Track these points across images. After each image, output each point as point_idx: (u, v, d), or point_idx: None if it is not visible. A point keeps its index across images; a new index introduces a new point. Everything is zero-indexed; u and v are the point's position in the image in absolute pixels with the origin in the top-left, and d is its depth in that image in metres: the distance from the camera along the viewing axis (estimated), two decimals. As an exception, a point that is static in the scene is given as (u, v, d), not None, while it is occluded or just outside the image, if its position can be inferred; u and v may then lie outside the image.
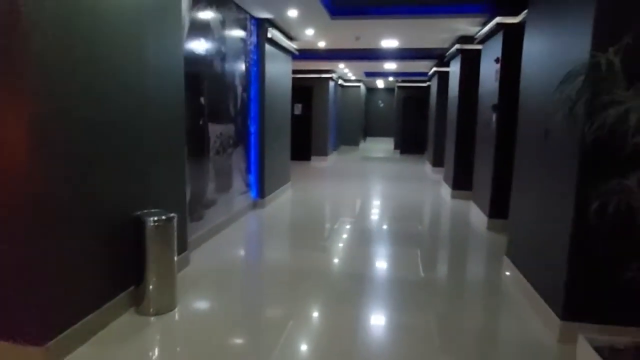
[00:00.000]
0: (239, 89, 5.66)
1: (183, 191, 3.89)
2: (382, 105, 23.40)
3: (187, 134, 3.93)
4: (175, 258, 3.11)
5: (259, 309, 3.33)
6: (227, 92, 5.26)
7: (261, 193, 6.55)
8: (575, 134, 2.64)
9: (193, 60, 4.25)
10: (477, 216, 6.09)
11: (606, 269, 2.62)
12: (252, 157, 6.36)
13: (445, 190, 8.21)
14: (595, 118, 2.18)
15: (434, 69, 10.73)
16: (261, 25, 6.18)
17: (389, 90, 22.35)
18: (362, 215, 6.65)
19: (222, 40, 4.99)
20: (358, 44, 8.35)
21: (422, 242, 5.24)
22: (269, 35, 6.21)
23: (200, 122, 4.53)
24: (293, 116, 13.66)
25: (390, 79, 16.12)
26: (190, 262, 4.00)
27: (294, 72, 13.55)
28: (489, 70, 5.94)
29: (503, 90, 5.37)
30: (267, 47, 6.35)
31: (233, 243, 4.89)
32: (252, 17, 5.97)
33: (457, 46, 7.30)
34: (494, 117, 5.55)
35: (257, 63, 6.28)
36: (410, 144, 16.20)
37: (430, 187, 9.16)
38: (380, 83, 19.82)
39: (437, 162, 10.82)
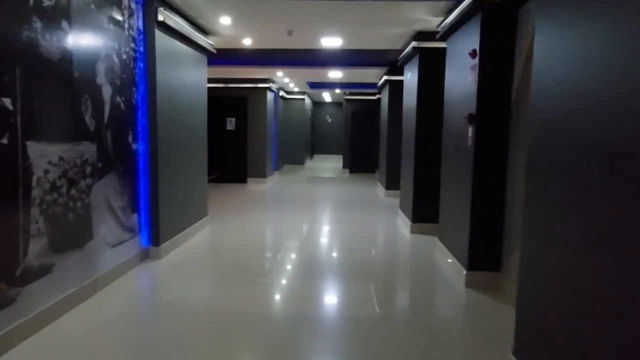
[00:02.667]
0: (107, 91, 3.82)
1: None
2: (330, 120, 22.01)
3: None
4: None
5: None
6: (79, 94, 3.41)
7: (155, 239, 4.68)
8: None
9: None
10: (448, 263, 4.56)
11: None
12: (140, 188, 4.50)
13: (403, 222, 6.67)
14: None
15: (385, 77, 9.33)
16: (148, 3, 4.40)
17: (337, 104, 21.02)
18: (298, 265, 4.93)
19: (64, 12, 3.18)
20: (293, 42, 6.74)
21: (378, 314, 3.58)
22: (161, 18, 4.43)
23: (5, 142, 2.67)
24: (224, 132, 11.93)
25: (338, 91, 14.71)
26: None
27: (224, 80, 11.89)
28: (460, 71, 4.48)
29: (484, 94, 3.89)
30: (160, 35, 4.56)
31: (87, 330, 3.00)
32: (133, -10, 4.19)
33: (413, 44, 5.85)
34: (470, 130, 4.05)
35: (145, 57, 4.48)
36: (360, 162, 14.79)
37: (385, 216, 7.60)
38: (327, 96, 18.41)
39: (391, 185, 9.35)
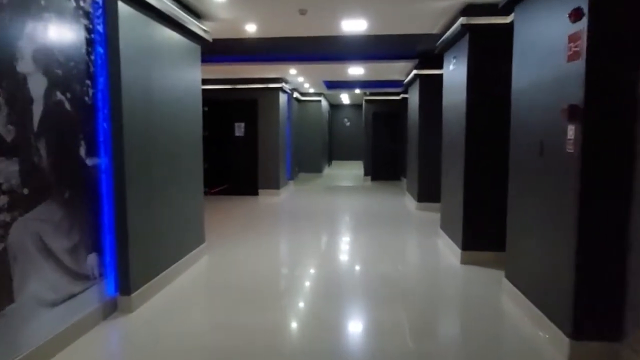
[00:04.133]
0: (38, 84, 2.63)
1: None
2: (348, 123, 20.72)
3: None
4: None
5: None
6: (-20, 86, 2.22)
7: (124, 285, 3.46)
8: None
9: None
10: (526, 316, 3.22)
11: None
12: (102, 217, 3.30)
13: (449, 248, 5.34)
14: None
15: (415, 72, 8.02)
16: (108, -36, 3.21)
17: (356, 106, 19.73)
18: (318, 318, 3.65)
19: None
20: (307, 27, 5.50)
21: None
22: (125, -15, 3.23)
23: None
24: (232, 138, 10.71)
25: (357, 91, 13.42)
26: None
27: (231, 81, 10.60)
28: (542, 46, 3.17)
29: (596, 75, 2.58)
30: (127, 10, 3.36)
31: None
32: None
33: (462, 20, 4.54)
34: (571, 130, 2.73)
35: (105, 40, 3.28)
36: (383, 168, 13.47)
37: (422, 238, 6.27)
38: (345, 98, 17.14)
39: (424, 197, 8.02)
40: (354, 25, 5.50)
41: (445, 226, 5.67)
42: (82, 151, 3.07)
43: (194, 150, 4.89)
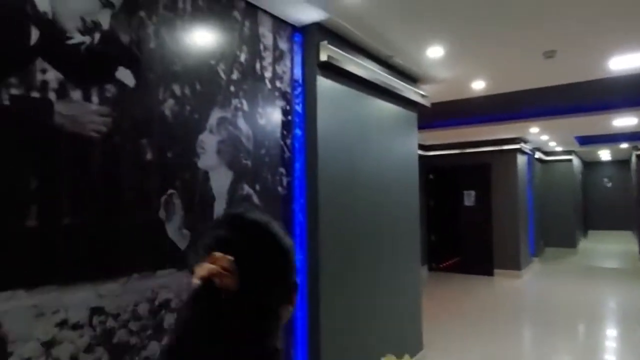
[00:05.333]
0: (222, 178, 2.32)
1: None
2: (609, 184, 16.72)
3: None
4: None
5: None
6: (151, 188, 1.97)
7: (315, 414, 2.79)
8: None
9: None
10: None
11: None
12: (296, 321, 2.78)
13: None
14: None
15: None
16: (308, 37, 2.87)
17: (620, 162, 15.82)
18: None
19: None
20: (553, 73, 4.24)
21: None
22: (323, 58, 2.81)
23: None
24: (461, 209, 9.47)
25: (624, 145, 10.52)
26: None
27: (458, 145, 9.46)
28: None
29: None
30: (329, 84, 2.94)
31: None
32: (278, 20, 2.73)
33: None
34: None
35: (304, 115, 2.89)
36: (673, 245, 9.92)
37: None
38: (605, 154, 13.87)
39: None
40: (629, 62, 3.95)
41: None
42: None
43: (410, 226, 4.09)
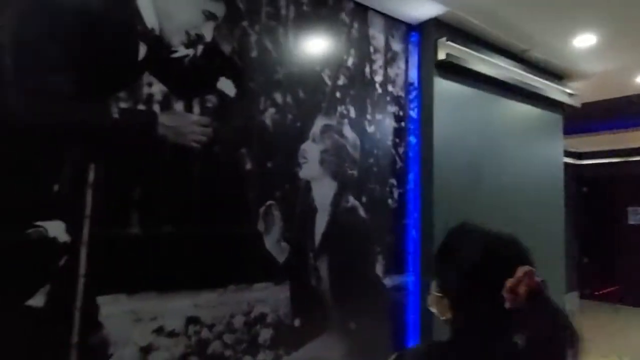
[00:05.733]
0: (324, 191, 2.20)
1: None
2: None
3: None
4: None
5: None
6: (248, 202, 1.93)
7: None
8: None
9: None
10: None
11: None
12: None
13: None
14: None
15: None
16: (427, 34, 2.60)
17: None
18: None
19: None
20: None
21: None
22: (441, 57, 2.51)
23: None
24: (623, 228, 7.84)
25: None
26: None
27: (617, 152, 7.98)
28: None
29: None
30: (449, 85, 2.63)
31: None
32: (391, 19, 2.52)
33: None
34: None
35: (419, 120, 2.62)
36: None
37: None
38: None
39: None
40: None
41: None
42: (379, 268, 2.43)
43: (552, 249, 3.48)
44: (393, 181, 2.52)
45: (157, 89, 1.69)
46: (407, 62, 2.61)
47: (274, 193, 2.01)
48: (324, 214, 2.19)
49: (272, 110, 2.02)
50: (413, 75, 2.63)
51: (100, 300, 1.55)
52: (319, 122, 2.19)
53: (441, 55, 2.50)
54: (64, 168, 1.51)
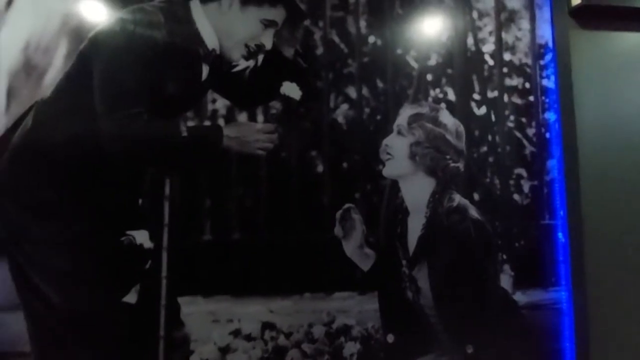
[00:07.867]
0: (420, 187, 1.91)
1: None
2: None
3: None
4: None
5: None
6: (326, 206, 1.83)
7: None
8: None
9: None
10: None
11: None
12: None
13: None
14: None
15: None
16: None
17: None
18: None
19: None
20: None
21: None
22: (576, 1, 1.88)
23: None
24: None
25: None
26: None
27: None
28: None
29: None
30: (590, 40, 1.96)
31: None
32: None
33: None
34: None
35: (558, 92, 2.03)
36: None
37: None
38: None
39: None
40: None
41: None
42: (506, 280, 1.96)
43: None
44: (521, 171, 2.02)
45: (221, 103, 1.80)
46: (532, 19, 2.06)
47: (353, 195, 1.87)
48: (418, 217, 1.91)
49: (344, 106, 1.89)
50: (545, 34, 2.06)
51: (181, 300, 1.72)
52: (406, 112, 1.93)
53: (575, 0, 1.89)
54: (145, 184, 1.75)
